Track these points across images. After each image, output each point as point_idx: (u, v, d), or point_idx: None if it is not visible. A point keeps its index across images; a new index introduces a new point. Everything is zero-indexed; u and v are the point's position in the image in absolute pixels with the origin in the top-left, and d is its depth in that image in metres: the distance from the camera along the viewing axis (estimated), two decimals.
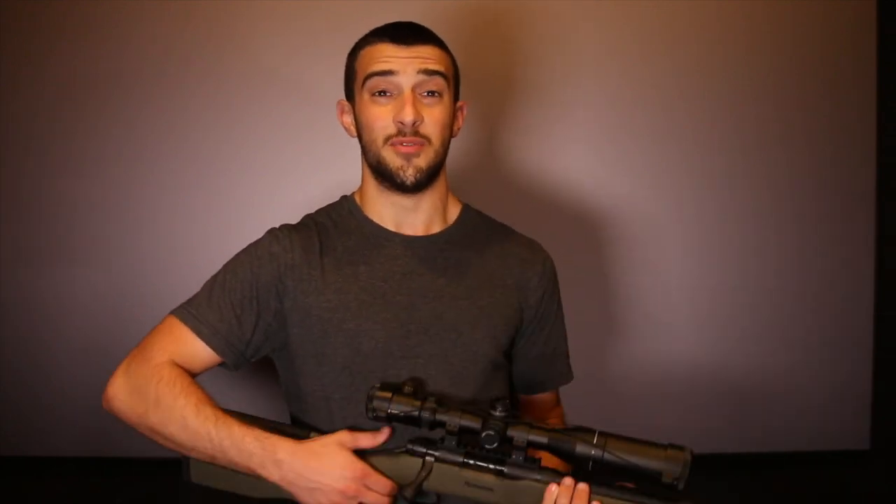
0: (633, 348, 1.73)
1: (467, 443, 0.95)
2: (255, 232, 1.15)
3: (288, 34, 1.62)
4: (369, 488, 0.98)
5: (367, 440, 1.01)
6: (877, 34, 1.73)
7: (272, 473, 0.98)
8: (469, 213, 1.20)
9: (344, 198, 1.20)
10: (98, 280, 1.62)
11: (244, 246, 1.14)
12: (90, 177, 1.61)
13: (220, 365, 1.10)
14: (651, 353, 1.73)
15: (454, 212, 1.19)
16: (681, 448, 0.89)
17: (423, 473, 0.95)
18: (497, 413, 0.93)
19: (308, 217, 1.18)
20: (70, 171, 1.61)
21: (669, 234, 1.72)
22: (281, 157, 1.63)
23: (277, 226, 1.15)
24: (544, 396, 1.26)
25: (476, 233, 1.18)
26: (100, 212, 1.61)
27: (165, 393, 1.02)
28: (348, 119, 1.15)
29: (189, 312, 1.08)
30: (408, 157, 1.07)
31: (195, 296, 1.11)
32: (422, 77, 1.06)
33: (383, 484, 0.99)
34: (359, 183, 1.19)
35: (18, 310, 1.61)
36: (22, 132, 1.60)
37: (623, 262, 1.72)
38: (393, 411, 0.95)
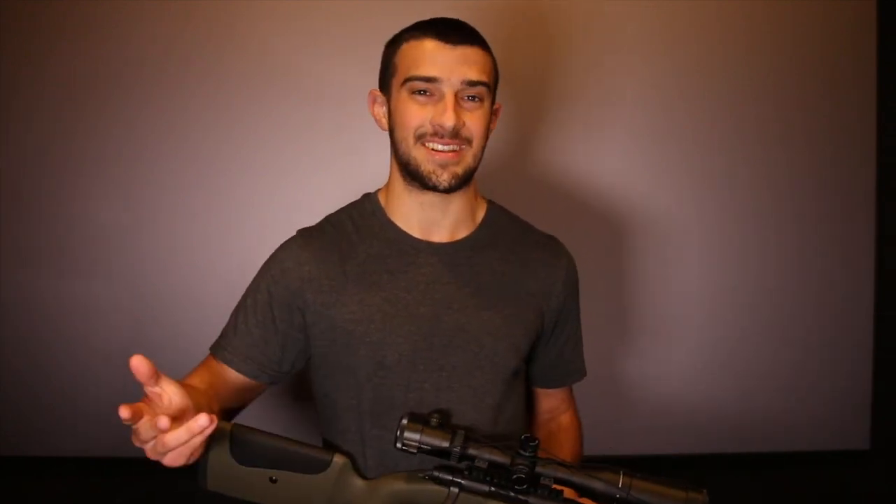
0: (635, 348, 1.73)
1: (491, 473, 0.95)
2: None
3: (288, 34, 1.62)
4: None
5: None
6: (877, 34, 1.73)
7: None
8: (494, 213, 1.18)
9: (366, 196, 1.17)
10: (98, 280, 1.61)
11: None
12: (90, 177, 1.61)
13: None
14: (652, 352, 1.73)
15: (480, 213, 1.17)
16: (699, 490, 0.92)
17: (449, 502, 0.95)
18: (527, 453, 0.94)
19: (326, 220, 1.15)
20: (70, 171, 1.60)
21: (669, 234, 1.72)
22: (281, 157, 1.63)
23: (296, 231, 1.13)
24: (558, 392, 1.27)
25: (501, 235, 1.16)
26: (100, 212, 1.61)
27: None
28: (380, 111, 1.11)
29: (220, 345, 1.10)
30: (444, 165, 1.04)
31: (225, 327, 1.11)
32: (465, 86, 1.03)
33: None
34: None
35: (18, 310, 1.61)
36: (22, 132, 1.60)
37: (623, 262, 1.72)
38: (424, 445, 0.94)
